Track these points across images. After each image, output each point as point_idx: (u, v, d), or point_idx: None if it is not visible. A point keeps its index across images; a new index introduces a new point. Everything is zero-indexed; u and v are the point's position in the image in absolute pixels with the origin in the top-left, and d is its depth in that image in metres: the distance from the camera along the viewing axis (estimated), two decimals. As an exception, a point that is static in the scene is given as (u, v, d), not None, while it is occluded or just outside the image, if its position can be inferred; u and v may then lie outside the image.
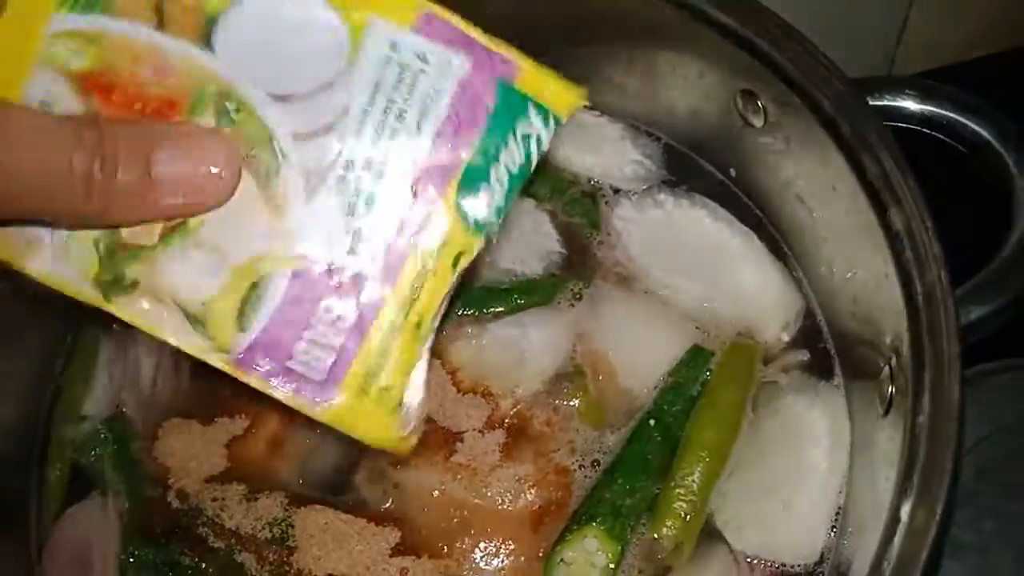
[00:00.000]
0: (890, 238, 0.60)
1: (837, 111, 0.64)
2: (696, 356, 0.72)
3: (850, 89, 0.64)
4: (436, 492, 0.69)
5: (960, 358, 0.56)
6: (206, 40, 0.48)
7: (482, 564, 0.68)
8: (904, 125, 0.73)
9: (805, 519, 0.67)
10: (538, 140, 0.54)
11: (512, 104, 0.53)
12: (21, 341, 0.78)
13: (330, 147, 0.51)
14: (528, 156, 0.53)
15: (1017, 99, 0.78)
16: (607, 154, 0.82)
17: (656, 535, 0.67)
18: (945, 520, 0.52)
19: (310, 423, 0.69)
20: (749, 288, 0.75)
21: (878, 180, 0.61)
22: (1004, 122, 0.73)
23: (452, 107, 0.52)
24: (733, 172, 0.80)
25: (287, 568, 0.68)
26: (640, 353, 0.73)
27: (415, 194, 0.52)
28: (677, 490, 0.67)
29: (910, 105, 0.74)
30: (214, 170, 0.48)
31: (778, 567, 0.67)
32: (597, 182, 0.81)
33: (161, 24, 0.48)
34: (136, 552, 0.71)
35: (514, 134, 0.53)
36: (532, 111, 0.53)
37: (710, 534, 0.68)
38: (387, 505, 0.70)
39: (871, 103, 0.70)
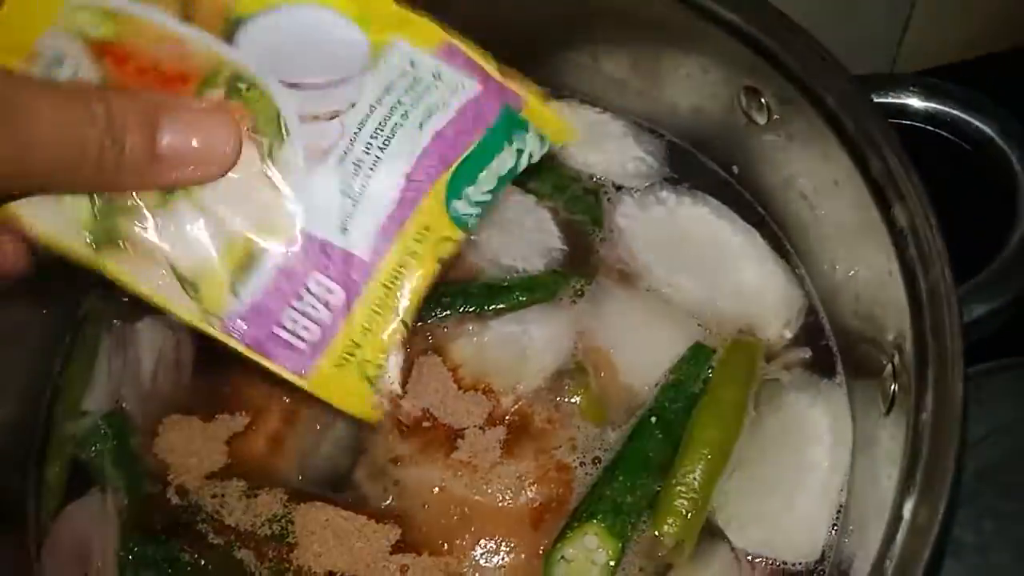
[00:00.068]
0: (894, 235, 0.60)
1: (841, 108, 0.64)
2: (698, 353, 0.72)
3: (854, 86, 0.64)
4: (437, 489, 0.69)
5: (963, 356, 0.55)
6: (229, 36, 0.50)
7: (482, 561, 0.68)
8: (908, 122, 0.73)
9: (807, 517, 0.67)
10: (530, 155, 0.59)
11: (512, 124, 0.58)
12: (21, 338, 0.78)
13: (334, 131, 0.53)
14: (517, 164, 0.59)
15: (1020, 97, 0.78)
16: (610, 151, 0.82)
17: (657, 533, 0.67)
18: (948, 518, 0.52)
19: (311, 420, 0.70)
20: (751, 285, 0.75)
21: (882, 177, 0.61)
22: (1007, 119, 0.73)
23: (457, 116, 0.56)
24: (736, 169, 0.80)
25: (287, 565, 0.68)
26: (642, 350, 0.73)
27: (408, 183, 0.55)
28: (678, 488, 0.67)
29: (914, 102, 0.74)
30: (217, 143, 0.50)
31: (779, 565, 0.67)
32: (599, 179, 0.81)
33: (187, 17, 0.49)
34: (135, 548, 0.71)
35: (509, 145, 0.58)
36: (530, 131, 0.59)
37: (711, 532, 0.68)
38: (387, 502, 0.70)
39: (875, 100, 0.70)
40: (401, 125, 0.55)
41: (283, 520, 0.69)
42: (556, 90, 0.85)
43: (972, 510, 0.79)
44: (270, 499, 0.70)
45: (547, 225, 0.79)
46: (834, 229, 0.71)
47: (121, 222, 0.51)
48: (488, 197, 0.58)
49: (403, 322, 0.56)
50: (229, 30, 0.50)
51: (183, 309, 0.53)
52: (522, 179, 0.78)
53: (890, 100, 0.74)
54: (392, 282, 0.55)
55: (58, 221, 0.50)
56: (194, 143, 0.49)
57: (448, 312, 0.74)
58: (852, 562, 0.63)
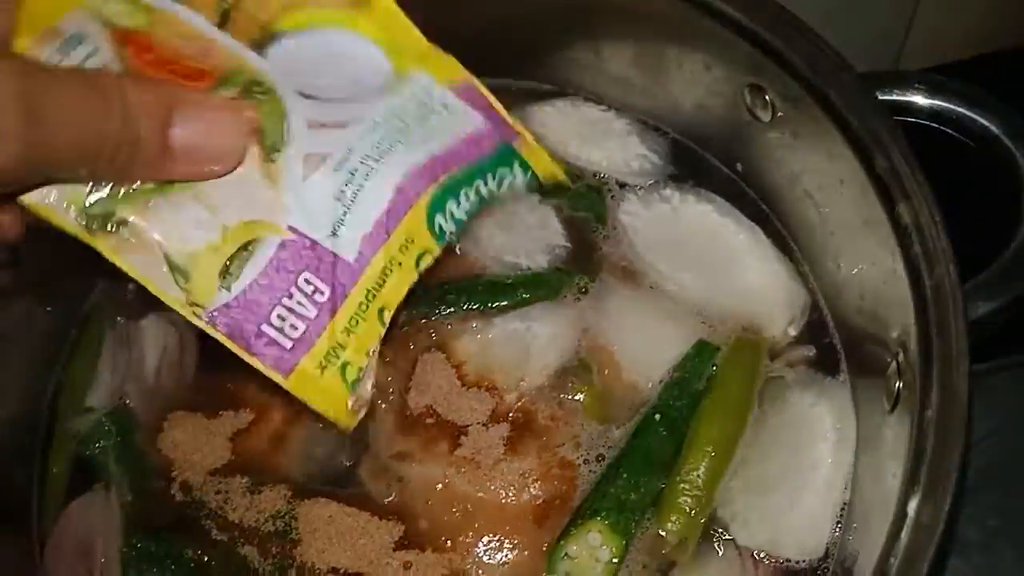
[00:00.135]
0: (898, 233, 0.60)
1: (845, 105, 0.63)
2: (702, 351, 0.72)
3: (859, 83, 0.64)
4: (440, 486, 0.69)
5: (968, 353, 0.55)
6: (261, 48, 0.52)
7: (486, 558, 0.68)
8: (913, 120, 0.73)
9: (810, 515, 0.67)
10: (512, 181, 0.64)
11: (504, 155, 0.63)
12: (25, 335, 0.78)
13: (336, 139, 0.55)
14: (498, 188, 0.63)
15: (1025, 95, 0.78)
16: (613, 149, 0.82)
17: (661, 530, 0.67)
18: (952, 516, 0.52)
19: (314, 417, 0.70)
20: (755, 283, 0.75)
21: (886, 175, 0.61)
22: (1013, 117, 0.73)
23: (456, 143, 0.60)
24: (740, 167, 0.80)
25: (290, 561, 0.68)
26: (645, 348, 0.73)
27: (397, 194, 0.57)
28: (682, 485, 0.67)
29: (919, 100, 0.74)
30: (226, 140, 0.51)
31: (783, 563, 0.67)
32: (603, 177, 0.81)
33: (222, 24, 0.51)
34: (139, 545, 0.71)
35: (494, 173, 0.62)
36: (518, 167, 0.64)
37: (715, 529, 0.68)
38: (391, 499, 0.70)
39: (880, 98, 0.69)
40: (401, 142, 0.57)
41: (286, 516, 0.69)
42: (559, 87, 0.85)
43: (976, 508, 0.79)
44: (273, 495, 0.70)
45: (551, 222, 0.78)
46: (838, 227, 0.71)
47: (118, 206, 0.51)
48: (466, 216, 0.61)
49: (382, 329, 0.58)
50: (263, 42, 0.52)
51: (170, 295, 0.54)
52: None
53: (895, 97, 0.74)
54: (375, 288, 0.57)
55: (54, 199, 0.50)
56: (204, 139, 0.50)
57: (452, 309, 0.73)
58: (856, 560, 0.63)
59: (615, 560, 0.66)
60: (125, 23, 0.50)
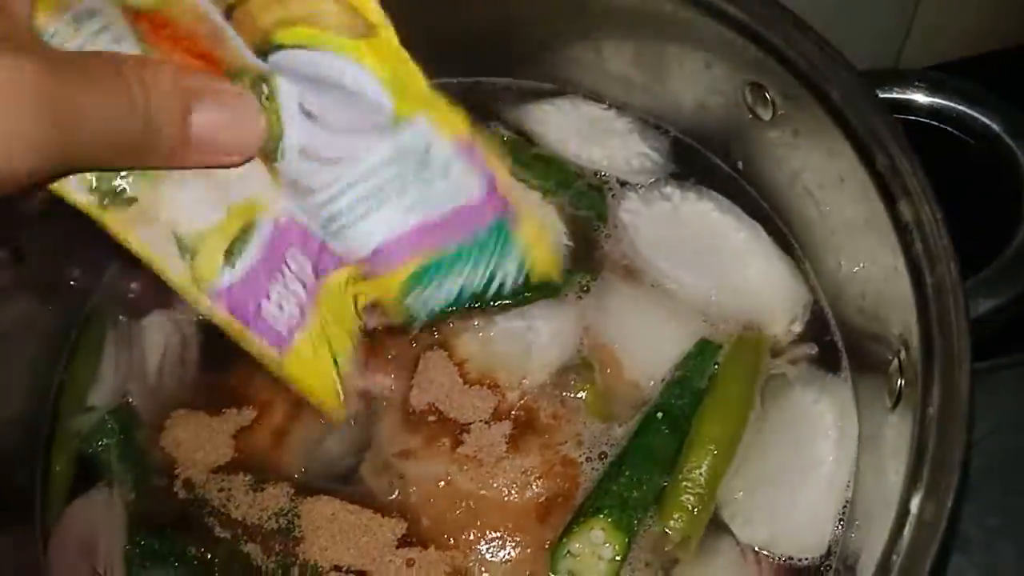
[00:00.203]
0: (899, 230, 0.60)
1: (846, 103, 0.63)
2: (703, 349, 0.72)
3: (859, 82, 0.64)
4: (442, 483, 0.69)
5: (970, 350, 0.55)
6: (263, 55, 0.50)
7: (488, 556, 0.68)
8: (913, 118, 0.73)
9: (812, 512, 0.67)
10: (502, 284, 0.60)
11: (501, 241, 0.58)
12: (27, 334, 0.78)
13: (326, 177, 0.54)
14: (486, 289, 0.60)
15: (1025, 93, 0.78)
16: (614, 147, 0.82)
17: (663, 528, 0.67)
18: (955, 513, 0.52)
19: (317, 415, 0.70)
20: (756, 281, 0.75)
21: (887, 172, 0.61)
22: (1013, 115, 0.73)
23: (448, 214, 0.56)
24: (740, 165, 0.80)
25: (293, 559, 0.68)
26: (647, 346, 0.73)
27: (373, 256, 0.56)
28: (684, 483, 0.67)
29: (919, 98, 0.74)
30: (244, 131, 0.51)
31: (785, 560, 0.67)
32: (604, 175, 0.81)
33: (228, 17, 0.49)
34: (142, 542, 0.71)
35: (487, 265, 0.59)
36: (512, 259, 0.59)
37: (717, 527, 0.68)
38: (393, 496, 0.70)
39: (880, 96, 0.69)
40: (391, 201, 0.55)
41: (289, 514, 0.69)
42: (560, 86, 0.85)
43: (977, 505, 0.79)
44: (276, 493, 0.70)
45: (552, 221, 0.79)
46: (839, 225, 0.71)
47: (128, 184, 0.51)
48: (442, 307, 0.60)
49: (359, 316, 0.60)
50: (263, 49, 0.50)
51: (177, 276, 0.54)
52: (527, 175, 0.79)
53: (895, 96, 0.74)
54: (350, 284, 0.59)
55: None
56: (224, 129, 0.50)
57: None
58: (858, 557, 0.63)
59: (618, 557, 0.66)
60: (138, 2, 0.49)
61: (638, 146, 0.82)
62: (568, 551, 0.66)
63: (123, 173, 0.51)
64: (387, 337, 0.73)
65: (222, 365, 0.76)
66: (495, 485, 0.69)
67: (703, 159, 0.82)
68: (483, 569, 0.68)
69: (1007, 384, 0.83)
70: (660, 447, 0.69)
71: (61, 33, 0.48)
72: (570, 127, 0.83)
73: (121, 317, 0.80)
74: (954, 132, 0.74)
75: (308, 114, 0.52)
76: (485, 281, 0.59)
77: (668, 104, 0.81)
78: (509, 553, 0.68)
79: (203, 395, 0.76)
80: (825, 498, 0.67)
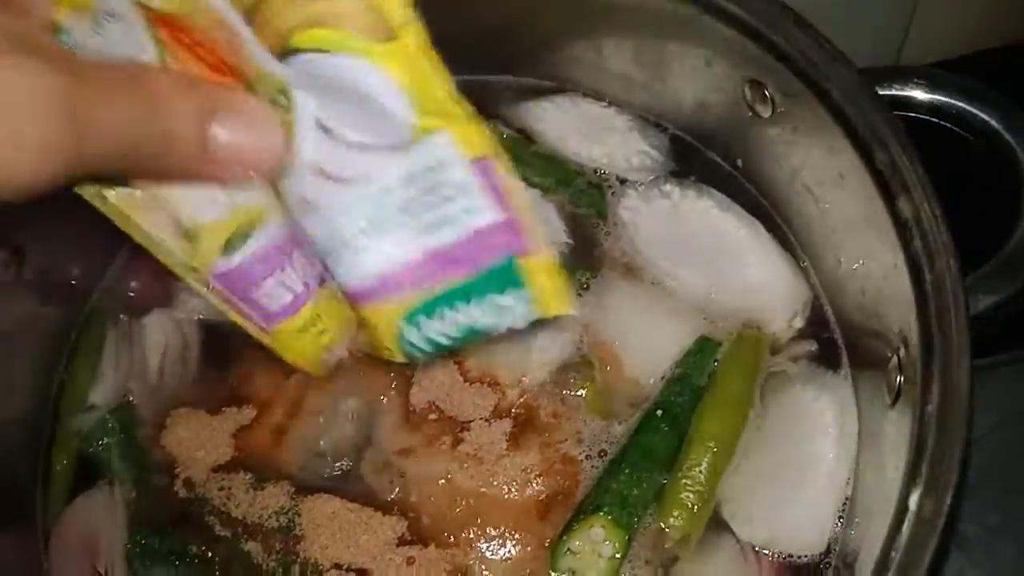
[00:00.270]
0: (899, 227, 0.60)
1: (845, 100, 0.63)
2: (703, 346, 0.72)
3: (859, 79, 0.64)
4: (442, 481, 0.69)
5: (969, 347, 0.55)
6: (281, 60, 0.48)
7: (488, 553, 0.68)
8: (913, 114, 0.73)
9: (812, 509, 0.67)
10: (511, 321, 0.54)
11: (507, 278, 0.53)
12: (29, 333, 0.78)
13: (338, 198, 0.51)
14: (490, 327, 0.54)
15: (1024, 90, 0.78)
16: (614, 145, 0.82)
17: (663, 525, 0.67)
18: (954, 510, 0.52)
19: (317, 413, 0.70)
20: (756, 279, 0.75)
21: (887, 169, 0.61)
22: (1013, 111, 0.73)
23: (457, 243, 0.52)
24: (740, 163, 0.80)
25: (294, 557, 0.68)
26: (647, 343, 0.73)
27: (379, 283, 0.53)
28: (684, 480, 0.67)
29: (919, 94, 0.74)
30: (264, 148, 0.49)
31: (785, 558, 0.67)
32: (604, 173, 0.81)
33: (249, 21, 0.47)
34: (143, 541, 0.71)
35: (492, 301, 0.53)
36: (521, 294, 0.53)
37: (717, 524, 0.68)
38: (393, 494, 0.70)
39: (880, 93, 0.69)
40: (401, 225, 0.51)
41: (290, 512, 0.69)
42: (560, 84, 0.85)
43: (977, 503, 0.79)
44: (277, 491, 0.70)
45: (552, 219, 0.79)
46: (839, 222, 0.71)
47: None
48: (445, 342, 0.55)
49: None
50: (283, 54, 0.48)
51: (174, 258, 0.55)
52: (527, 173, 0.79)
53: (895, 92, 0.74)
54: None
55: None
56: (244, 144, 0.48)
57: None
58: (858, 554, 0.63)
59: (618, 555, 0.66)
60: (159, 5, 0.48)
61: (638, 144, 0.82)
62: (568, 549, 0.66)
63: None
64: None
65: (222, 364, 0.77)
66: (495, 483, 0.69)
67: (703, 157, 0.82)
68: (483, 567, 0.68)
69: (1007, 381, 0.83)
70: (660, 445, 0.69)
71: (80, 34, 0.47)
72: (570, 125, 0.83)
73: (122, 316, 0.80)
74: (954, 129, 0.74)
75: (324, 129, 0.49)
76: (490, 319, 0.54)
77: (668, 102, 0.81)
78: (509, 551, 0.68)
79: (203, 394, 0.76)
80: (825, 496, 0.67)
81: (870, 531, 0.60)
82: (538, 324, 0.70)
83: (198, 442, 0.73)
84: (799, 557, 0.67)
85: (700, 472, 0.67)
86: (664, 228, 0.77)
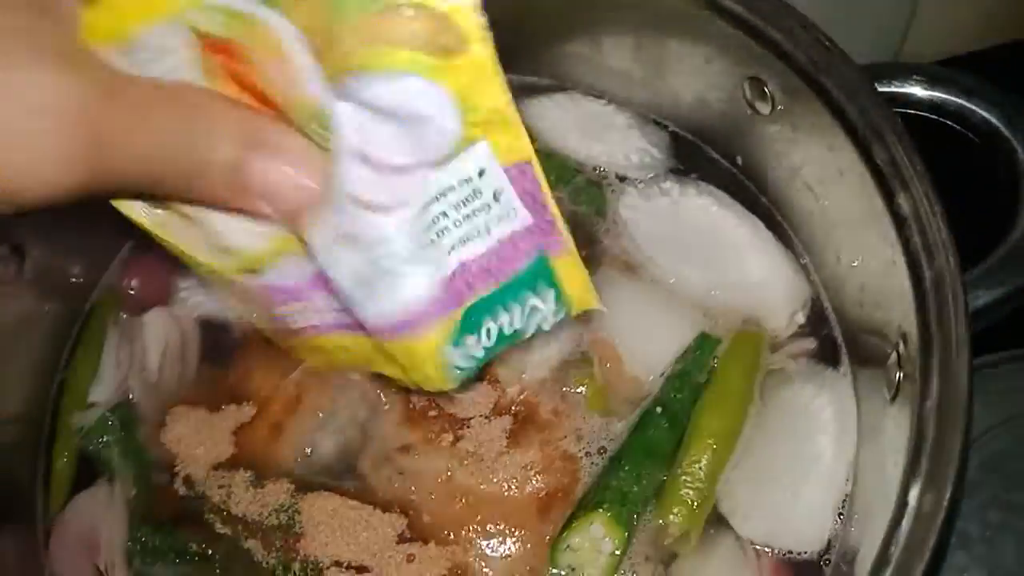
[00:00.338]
0: (898, 224, 0.60)
1: (845, 97, 0.63)
2: (703, 344, 0.72)
3: (858, 75, 0.64)
4: (442, 478, 0.69)
5: (969, 341, 0.55)
6: (336, 84, 0.46)
7: (488, 551, 0.68)
8: (912, 111, 0.73)
9: (812, 506, 0.67)
10: (540, 322, 0.54)
11: (539, 277, 0.53)
12: (29, 331, 0.78)
13: (372, 228, 0.49)
14: (524, 330, 0.54)
15: (1024, 87, 0.78)
16: (614, 142, 0.82)
17: (663, 522, 0.67)
18: (954, 504, 0.52)
19: (316, 410, 0.70)
20: (756, 276, 0.75)
21: (886, 165, 0.61)
22: (1012, 108, 0.73)
23: (489, 251, 0.51)
24: (740, 160, 0.80)
25: (294, 554, 0.68)
26: (647, 340, 0.73)
27: (421, 311, 0.51)
28: (684, 477, 0.67)
29: (918, 91, 0.74)
30: (298, 190, 0.47)
31: (785, 554, 0.67)
32: (603, 170, 0.81)
33: (306, 46, 0.45)
34: (143, 539, 0.71)
35: (526, 303, 0.53)
36: (552, 294, 0.53)
37: (717, 521, 0.68)
38: (393, 492, 0.70)
39: (879, 90, 0.69)
40: (438, 244, 0.50)
41: (290, 510, 0.69)
42: (559, 81, 0.85)
43: (978, 501, 0.79)
44: (277, 489, 0.70)
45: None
46: (839, 219, 0.71)
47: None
48: (481, 355, 0.54)
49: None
50: (336, 77, 0.46)
51: (198, 258, 0.54)
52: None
53: (894, 89, 0.74)
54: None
55: None
56: (280, 182, 0.47)
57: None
58: (858, 551, 0.63)
59: (617, 552, 0.66)
60: (214, 31, 0.45)
61: (638, 141, 0.82)
62: (568, 546, 0.66)
63: None
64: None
65: (222, 361, 0.77)
66: (495, 480, 0.69)
67: (702, 154, 0.82)
68: (483, 564, 0.68)
69: (1008, 379, 0.83)
70: (659, 442, 0.69)
71: (126, 52, 0.45)
72: (570, 122, 0.83)
73: (121, 314, 0.80)
74: (953, 126, 0.74)
75: (365, 158, 0.47)
76: (523, 321, 0.54)
77: (668, 99, 0.81)
78: (509, 548, 0.68)
79: (203, 391, 0.76)
80: (824, 492, 0.67)
81: (870, 527, 0.60)
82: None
83: (198, 440, 0.73)
84: (799, 554, 0.67)
85: (700, 469, 0.67)
86: (664, 226, 0.77)
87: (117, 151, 0.40)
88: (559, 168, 0.80)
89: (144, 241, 0.82)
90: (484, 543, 0.68)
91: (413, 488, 0.69)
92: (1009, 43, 1.07)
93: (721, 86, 0.75)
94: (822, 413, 0.69)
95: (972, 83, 0.74)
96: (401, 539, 0.68)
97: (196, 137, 0.43)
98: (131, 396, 0.76)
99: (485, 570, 0.68)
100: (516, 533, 0.68)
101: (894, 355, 0.62)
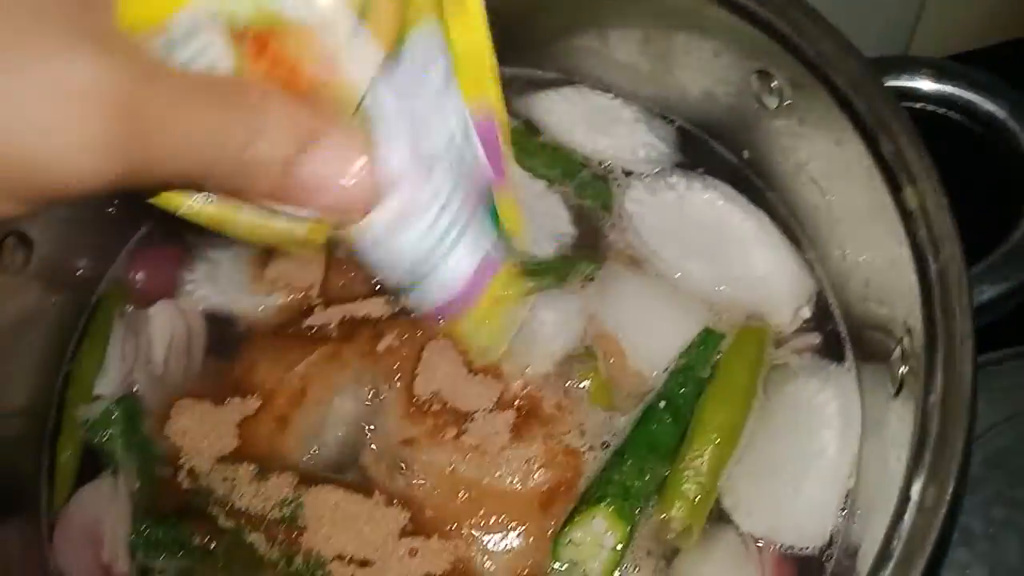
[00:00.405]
0: (904, 217, 0.60)
1: (853, 91, 0.63)
2: (707, 338, 0.72)
3: (866, 69, 0.63)
4: (445, 472, 0.69)
5: (973, 335, 0.55)
6: (389, 59, 0.45)
7: (491, 545, 0.68)
8: (920, 105, 0.73)
9: (815, 501, 0.67)
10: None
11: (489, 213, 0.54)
12: (34, 324, 0.78)
13: (426, 193, 0.49)
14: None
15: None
16: (620, 137, 0.82)
17: (665, 516, 0.67)
18: (957, 498, 0.52)
19: (320, 404, 0.70)
20: (761, 271, 0.74)
21: (892, 159, 0.60)
22: (1019, 102, 0.72)
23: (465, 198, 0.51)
24: (746, 154, 0.79)
25: (296, 548, 0.68)
26: (651, 335, 0.73)
27: (474, 277, 0.53)
28: (687, 472, 0.67)
29: (926, 85, 0.73)
30: (351, 192, 0.45)
31: (787, 549, 0.67)
32: (609, 165, 0.81)
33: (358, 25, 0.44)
34: (146, 531, 0.71)
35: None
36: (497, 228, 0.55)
37: (719, 516, 0.68)
38: (396, 485, 0.70)
39: (887, 83, 0.69)
40: (460, 205, 0.51)
41: (293, 503, 0.69)
42: (565, 75, 0.85)
43: (982, 498, 0.79)
44: (280, 482, 0.70)
45: (557, 210, 0.79)
46: (844, 213, 0.70)
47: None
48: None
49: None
50: (391, 53, 0.45)
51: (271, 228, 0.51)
52: (532, 164, 0.79)
53: (902, 83, 0.73)
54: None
55: None
56: (332, 182, 0.45)
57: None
58: (860, 545, 0.62)
59: (620, 546, 0.66)
60: (244, 17, 0.43)
61: (644, 136, 0.82)
62: (570, 540, 0.66)
63: None
64: (391, 325, 0.73)
65: (228, 355, 0.77)
66: (498, 474, 0.69)
67: (709, 149, 0.81)
68: (486, 558, 0.67)
69: (1013, 376, 0.83)
70: (663, 436, 0.69)
71: (157, 40, 0.43)
72: (576, 116, 0.83)
73: (127, 307, 0.80)
74: (961, 120, 0.73)
75: (410, 127, 0.47)
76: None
77: (674, 93, 0.81)
78: (511, 542, 0.68)
79: (208, 384, 0.76)
80: (827, 488, 0.67)
81: (872, 522, 0.60)
82: (540, 314, 0.71)
83: (202, 432, 0.73)
84: (801, 549, 0.67)
85: (702, 464, 0.67)
86: (669, 220, 0.77)
87: (156, 141, 0.39)
88: (565, 162, 0.80)
89: (150, 234, 0.83)
90: (486, 537, 0.68)
91: (416, 482, 0.69)
92: (1015, 40, 1.06)
93: (728, 80, 0.75)
94: (826, 408, 0.69)
95: (980, 78, 0.73)
96: (404, 533, 0.68)
97: (241, 132, 0.41)
98: (136, 389, 0.77)
99: (487, 564, 0.67)
100: (519, 527, 0.68)
101: (898, 350, 0.62)
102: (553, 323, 0.73)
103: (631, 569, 0.67)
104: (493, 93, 0.51)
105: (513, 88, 0.84)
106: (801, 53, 0.65)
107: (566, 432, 0.70)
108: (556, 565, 0.66)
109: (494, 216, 0.55)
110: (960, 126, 0.73)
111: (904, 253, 0.60)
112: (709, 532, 0.67)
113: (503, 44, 0.82)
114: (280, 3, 0.43)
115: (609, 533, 0.66)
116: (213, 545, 0.70)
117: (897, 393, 0.62)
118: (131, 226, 0.84)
